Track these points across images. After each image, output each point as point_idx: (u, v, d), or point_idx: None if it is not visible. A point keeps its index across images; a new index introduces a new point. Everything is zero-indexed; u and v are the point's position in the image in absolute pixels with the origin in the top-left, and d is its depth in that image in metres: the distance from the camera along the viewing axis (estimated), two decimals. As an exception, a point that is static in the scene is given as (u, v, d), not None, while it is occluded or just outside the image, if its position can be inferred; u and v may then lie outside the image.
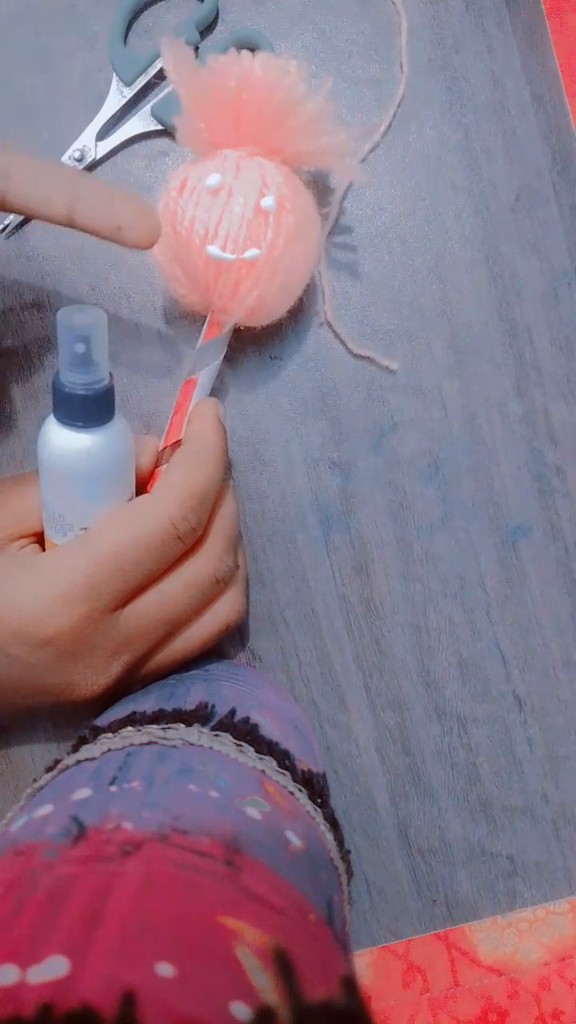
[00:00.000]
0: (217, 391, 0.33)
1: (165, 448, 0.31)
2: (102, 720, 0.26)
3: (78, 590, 0.24)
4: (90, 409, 0.24)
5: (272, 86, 0.26)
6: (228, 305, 0.28)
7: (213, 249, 0.27)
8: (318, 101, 0.27)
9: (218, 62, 0.26)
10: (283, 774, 0.23)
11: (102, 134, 0.33)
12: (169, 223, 0.28)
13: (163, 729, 0.23)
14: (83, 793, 0.19)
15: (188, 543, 0.26)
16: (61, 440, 0.24)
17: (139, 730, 0.23)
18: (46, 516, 0.27)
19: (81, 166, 0.33)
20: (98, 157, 0.33)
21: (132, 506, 0.25)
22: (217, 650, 0.33)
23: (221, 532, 0.27)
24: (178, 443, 0.31)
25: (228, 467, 0.27)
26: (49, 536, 0.27)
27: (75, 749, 0.24)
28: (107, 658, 0.26)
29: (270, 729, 0.25)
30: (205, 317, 0.31)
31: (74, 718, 0.33)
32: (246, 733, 0.24)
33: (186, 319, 0.33)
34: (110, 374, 0.24)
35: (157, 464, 0.30)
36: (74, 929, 0.13)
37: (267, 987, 0.13)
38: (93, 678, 0.26)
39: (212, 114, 0.27)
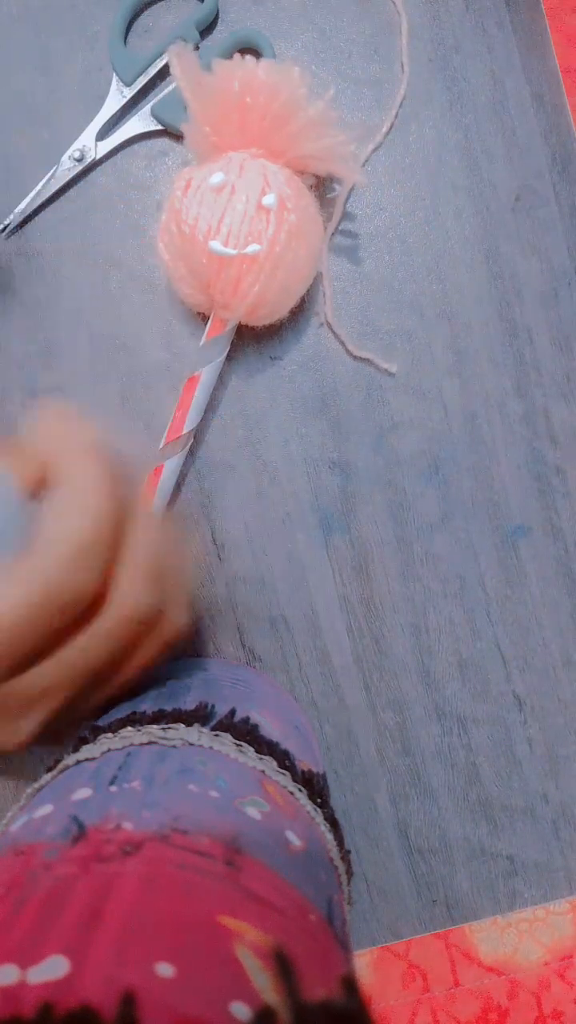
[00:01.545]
0: (218, 391, 0.33)
1: (166, 445, 0.31)
2: (102, 720, 0.26)
3: None
4: None
5: (275, 90, 0.26)
6: (230, 301, 0.29)
7: (215, 244, 0.27)
8: (320, 105, 0.27)
9: (222, 67, 0.27)
10: (283, 774, 0.23)
11: (102, 134, 0.33)
12: (174, 221, 0.28)
13: (163, 729, 0.23)
14: (83, 793, 0.19)
15: (84, 600, 0.22)
16: None
17: (139, 730, 0.23)
18: None
19: (81, 166, 0.33)
20: (98, 157, 0.33)
21: (8, 572, 0.21)
22: (217, 650, 0.33)
23: (132, 568, 0.23)
24: (179, 438, 0.31)
25: (115, 499, 0.22)
26: None
27: (75, 749, 0.24)
28: (13, 719, 0.23)
29: (270, 729, 0.25)
30: (208, 316, 0.31)
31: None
32: (246, 733, 0.24)
33: (187, 318, 0.33)
34: None
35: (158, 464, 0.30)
36: (74, 929, 0.13)
37: (267, 987, 0.13)
38: (6, 738, 0.24)
39: (217, 118, 0.28)
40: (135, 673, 0.25)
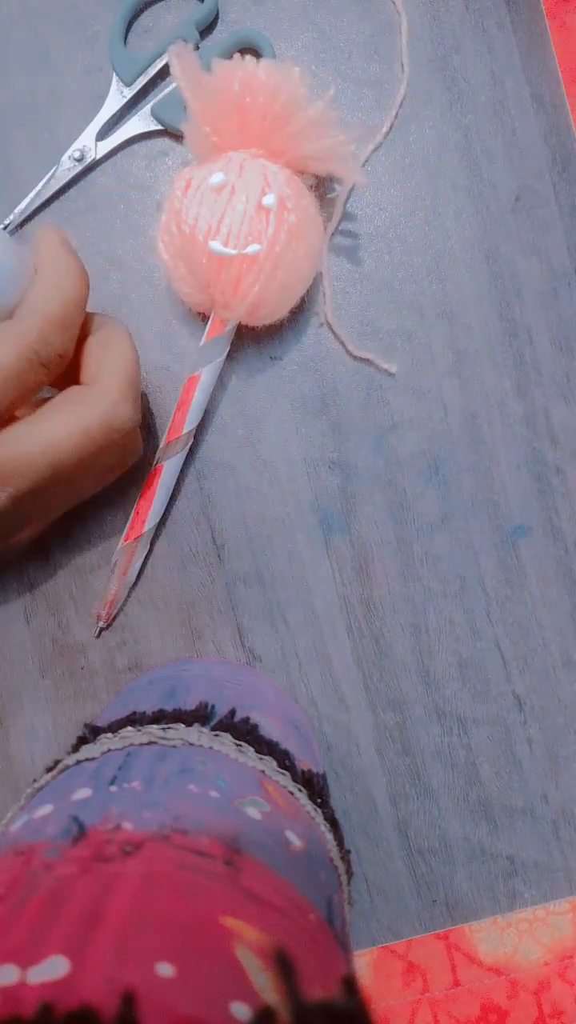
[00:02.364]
0: (218, 391, 0.33)
1: (166, 445, 0.31)
2: (102, 720, 0.26)
3: None
4: None
5: (275, 90, 0.26)
6: (230, 301, 0.29)
7: (215, 244, 0.27)
8: (320, 105, 0.27)
9: (222, 67, 0.27)
10: (283, 774, 0.23)
11: (102, 134, 0.33)
12: (174, 221, 0.28)
13: (163, 729, 0.23)
14: (83, 793, 0.19)
15: (55, 370, 0.26)
16: None
17: (139, 730, 0.23)
18: None
19: (81, 166, 0.33)
20: (98, 157, 0.33)
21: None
22: (217, 650, 0.33)
23: (113, 375, 0.26)
24: (179, 438, 0.31)
25: (84, 293, 0.26)
26: None
27: (75, 749, 0.24)
28: (12, 519, 0.25)
29: (270, 729, 0.25)
30: (208, 316, 0.31)
31: (74, 718, 0.33)
32: (246, 733, 0.24)
33: (187, 318, 0.33)
34: None
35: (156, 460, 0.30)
36: (74, 929, 0.13)
37: (267, 987, 0.13)
38: (5, 538, 0.26)
39: (217, 118, 0.28)
40: (91, 490, 0.28)
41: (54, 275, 0.25)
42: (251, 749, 0.23)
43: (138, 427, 0.29)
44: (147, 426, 0.33)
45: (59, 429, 0.25)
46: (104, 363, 0.27)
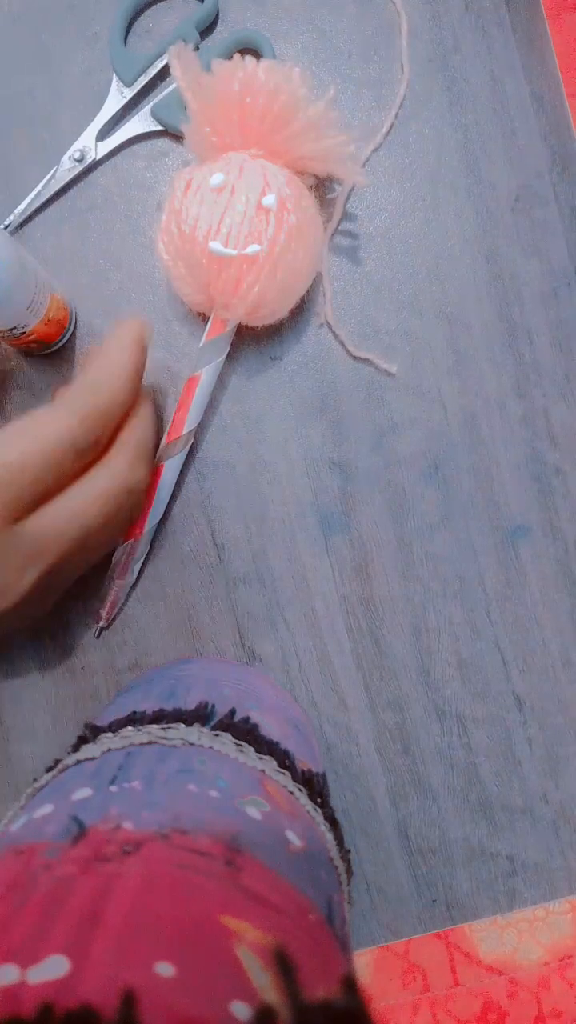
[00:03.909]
0: (218, 391, 0.33)
1: (166, 445, 0.31)
2: (102, 720, 0.26)
3: None
4: None
5: (275, 91, 0.26)
6: (230, 301, 0.29)
7: (215, 245, 0.27)
8: (320, 106, 0.27)
9: (222, 67, 0.27)
10: (283, 774, 0.23)
11: (102, 134, 0.33)
12: (174, 222, 0.28)
13: (163, 729, 0.23)
14: (83, 793, 0.19)
15: (88, 458, 0.27)
16: None
17: (139, 730, 0.23)
18: None
19: (81, 166, 0.33)
20: (98, 157, 0.33)
21: (31, 420, 0.26)
22: (217, 650, 0.33)
23: (131, 443, 0.28)
24: (179, 438, 0.31)
25: (136, 385, 0.28)
26: None
27: (75, 749, 0.24)
28: (19, 568, 0.26)
29: (270, 729, 0.25)
30: (208, 316, 0.31)
31: (74, 718, 0.33)
32: (246, 733, 0.24)
33: (187, 318, 0.33)
34: None
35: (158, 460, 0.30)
36: (74, 929, 0.13)
37: (267, 987, 0.13)
38: (7, 589, 0.26)
39: (217, 118, 0.28)
40: (107, 547, 0.29)
41: (115, 369, 0.27)
42: (251, 749, 0.23)
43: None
44: (147, 426, 0.33)
45: (85, 500, 0.27)
46: (128, 436, 0.28)
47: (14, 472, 0.24)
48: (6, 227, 0.33)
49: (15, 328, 0.28)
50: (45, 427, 0.25)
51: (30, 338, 0.29)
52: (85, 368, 0.27)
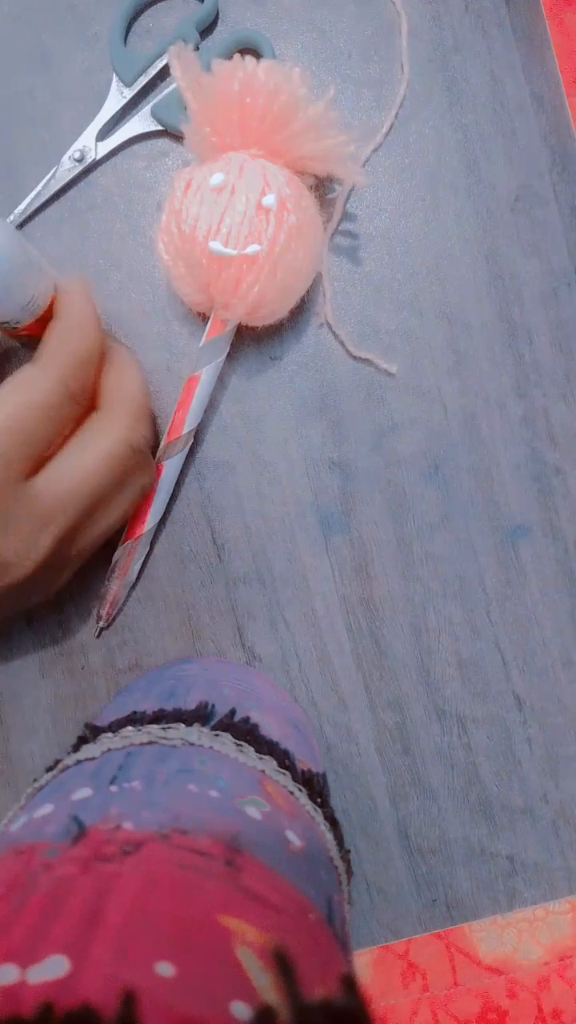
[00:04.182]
0: (218, 391, 0.33)
1: (166, 445, 0.31)
2: (102, 720, 0.26)
3: None
4: None
5: (275, 91, 0.26)
6: (230, 302, 0.29)
7: (215, 245, 0.27)
8: (320, 106, 0.27)
9: (222, 67, 0.27)
10: (283, 774, 0.23)
11: (102, 134, 0.33)
12: (174, 222, 0.28)
13: (163, 729, 0.23)
14: (83, 793, 0.19)
15: (82, 403, 0.28)
16: None
17: (139, 730, 0.23)
18: None
19: (81, 166, 0.33)
20: (98, 157, 0.33)
21: (20, 375, 0.26)
22: (217, 650, 0.33)
23: (127, 401, 0.29)
24: (179, 438, 0.31)
25: (103, 335, 0.29)
26: None
27: (75, 749, 0.24)
28: (33, 531, 0.26)
29: (270, 729, 0.25)
30: (208, 316, 0.31)
31: (74, 718, 0.33)
32: (246, 733, 0.24)
33: (187, 318, 0.33)
34: None
35: (158, 460, 0.30)
36: (74, 929, 0.13)
37: (267, 987, 0.13)
38: (24, 552, 0.26)
39: (217, 118, 0.28)
40: (117, 522, 0.29)
41: (79, 316, 0.28)
42: (251, 749, 0.23)
43: (151, 451, 0.30)
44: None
45: (89, 457, 0.27)
46: (117, 389, 0.29)
47: (13, 425, 0.25)
48: (6, 227, 0.33)
49: (7, 323, 0.28)
50: (32, 378, 0.26)
51: (21, 332, 0.29)
52: (50, 326, 0.28)
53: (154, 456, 0.31)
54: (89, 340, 0.28)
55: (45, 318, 0.28)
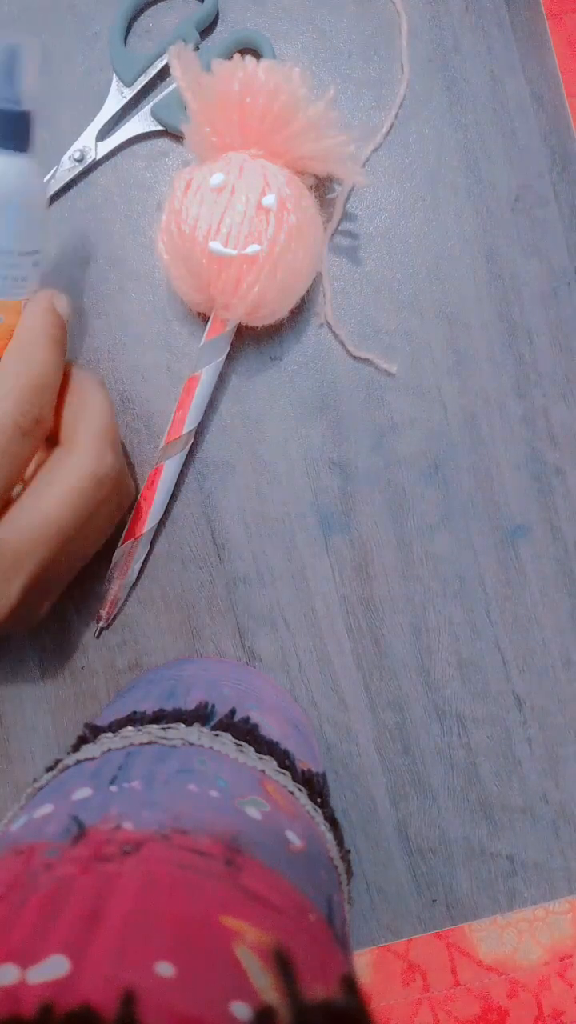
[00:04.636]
0: (218, 391, 0.33)
1: (166, 445, 0.31)
2: (102, 720, 0.26)
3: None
4: (8, 127, 0.24)
5: (275, 91, 0.26)
6: (230, 302, 0.29)
7: (215, 245, 0.27)
8: (320, 106, 0.27)
9: (222, 67, 0.27)
10: (283, 774, 0.23)
11: (102, 134, 0.33)
12: (174, 222, 0.28)
13: (163, 729, 0.23)
14: (83, 793, 0.19)
15: (39, 436, 0.25)
16: None
17: (139, 730, 0.23)
18: None
19: (81, 166, 0.33)
20: (98, 157, 0.33)
21: None
22: (217, 650, 0.33)
23: (92, 430, 0.26)
24: (179, 438, 0.31)
25: (60, 350, 0.26)
26: None
27: (75, 749, 0.24)
28: (2, 581, 0.25)
29: (270, 729, 0.25)
30: (208, 317, 0.31)
31: (74, 718, 0.33)
32: (246, 733, 0.24)
33: (187, 318, 0.33)
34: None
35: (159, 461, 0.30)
36: (74, 929, 0.13)
37: (267, 987, 0.13)
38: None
39: (217, 118, 0.28)
40: (96, 544, 0.28)
41: (27, 341, 0.25)
42: (251, 749, 0.23)
43: (125, 470, 0.29)
44: (147, 426, 0.33)
45: (54, 498, 0.25)
46: (80, 418, 0.27)
47: None
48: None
49: None
50: None
51: None
52: (11, 341, 0.26)
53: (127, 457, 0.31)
54: (40, 365, 0.25)
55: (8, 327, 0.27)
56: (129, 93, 0.32)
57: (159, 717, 0.24)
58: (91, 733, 0.25)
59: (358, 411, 0.33)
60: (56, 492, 0.25)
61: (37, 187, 0.25)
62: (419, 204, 0.33)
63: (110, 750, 0.22)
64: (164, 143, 0.33)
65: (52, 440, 0.27)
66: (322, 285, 0.33)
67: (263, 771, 0.22)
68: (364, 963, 0.33)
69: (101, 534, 0.29)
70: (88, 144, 0.33)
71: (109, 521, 0.28)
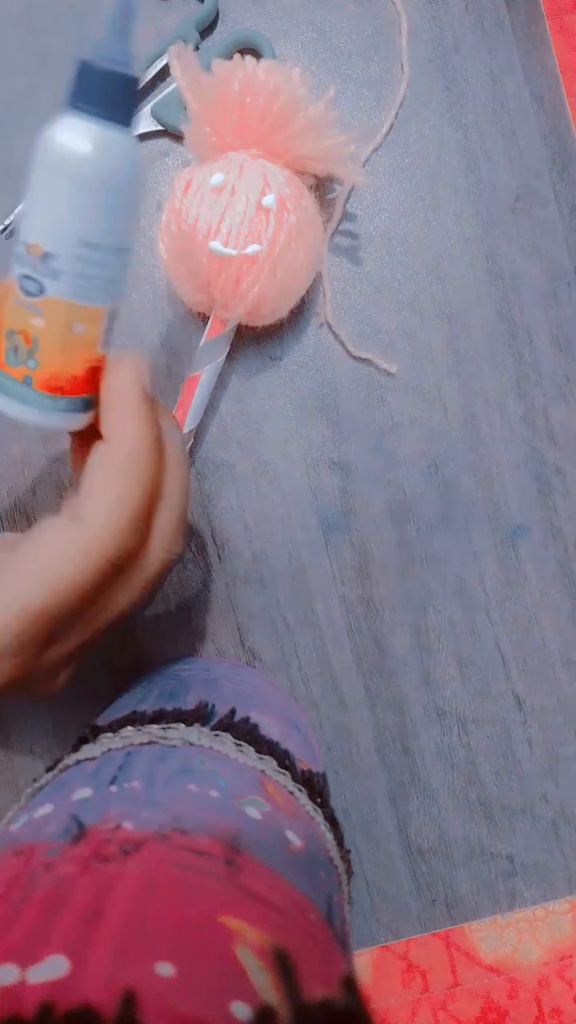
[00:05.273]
0: (218, 391, 0.33)
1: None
2: (102, 720, 0.26)
3: (9, 649, 0.20)
4: (114, 94, 0.21)
5: (275, 91, 0.26)
6: (230, 301, 0.29)
7: (215, 245, 0.27)
8: (320, 106, 0.27)
9: (222, 67, 0.27)
10: (283, 774, 0.23)
11: (102, 134, 0.33)
12: (174, 222, 0.28)
13: (163, 729, 0.23)
14: (83, 793, 0.19)
15: (129, 566, 0.22)
16: (69, 134, 0.21)
17: (139, 730, 0.23)
18: (17, 254, 0.22)
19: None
20: (98, 157, 0.33)
21: (61, 544, 0.20)
22: (217, 650, 0.33)
23: (170, 520, 0.22)
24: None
25: (160, 442, 0.22)
26: (16, 278, 0.22)
27: (75, 749, 0.24)
28: (51, 675, 0.23)
29: (270, 729, 0.25)
30: (208, 316, 0.31)
31: (74, 718, 0.33)
32: (246, 733, 0.24)
33: (187, 318, 0.33)
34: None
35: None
36: (74, 929, 0.13)
37: (267, 986, 0.13)
38: (46, 688, 0.24)
39: (217, 118, 0.28)
40: (133, 608, 0.24)
41: (130, 458, 0.20)
42: (251, 749, 0.23)
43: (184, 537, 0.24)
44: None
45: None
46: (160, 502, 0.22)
47: (46, 616, 0.20)
48: (6, 227, 0.33)
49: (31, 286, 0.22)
50: (79, 558, 0.20)
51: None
52: (91, 454, 0.21)
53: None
54: (147, 486, 0.21)
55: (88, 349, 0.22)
56: (129, 93, 0.32)
57: (159, 717, 0.24)
58: (91, 733, 0.25)
59: (358, 411, 0.33)
60: (121, 599, 0.22)
61: (138, 173, 0.21)
62: (419, 204, 0.33)
63: (110, 750, 0.22)
64: (164, 143, 0.33)
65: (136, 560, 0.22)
66: (322, 285, 0.33)
67: (263, 771, 0.22)
68: (364, 963, 0.33)
69: (131, 599, 0.23)
70: (88, 144, 0.33)
71: (146, 586, 0.23)
